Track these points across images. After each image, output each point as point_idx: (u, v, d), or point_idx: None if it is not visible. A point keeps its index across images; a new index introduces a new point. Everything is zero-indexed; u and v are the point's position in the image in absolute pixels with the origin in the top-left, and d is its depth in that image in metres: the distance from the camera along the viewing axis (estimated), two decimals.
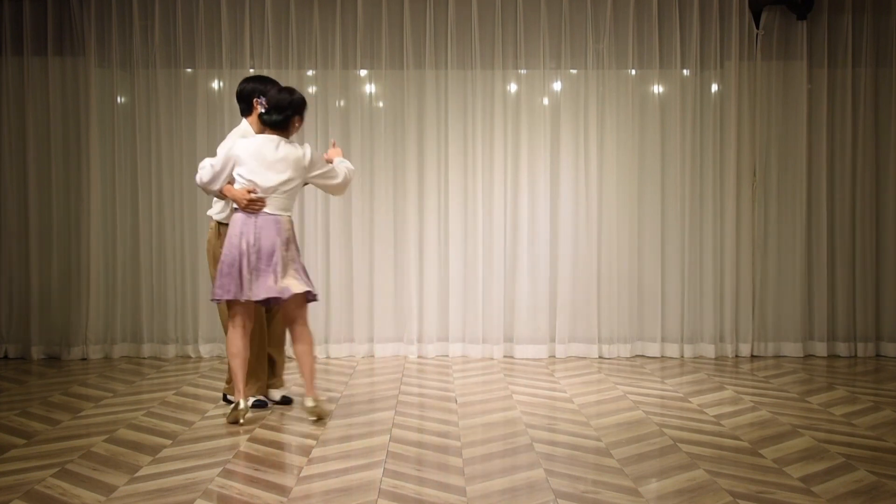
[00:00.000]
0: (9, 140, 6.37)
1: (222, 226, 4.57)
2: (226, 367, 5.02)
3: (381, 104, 6.49)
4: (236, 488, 3.35)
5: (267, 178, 4.28)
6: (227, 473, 3.54)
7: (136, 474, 3.53)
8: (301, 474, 3.53)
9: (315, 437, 4.12)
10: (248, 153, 4.31)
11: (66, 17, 6.35)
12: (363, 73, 6.49)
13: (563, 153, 6.47)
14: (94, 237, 6.28)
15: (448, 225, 6.44)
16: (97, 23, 6.33)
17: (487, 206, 6.45)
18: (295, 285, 4.28)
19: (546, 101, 6.47)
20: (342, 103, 6.45)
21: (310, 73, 6.46)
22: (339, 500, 3.22)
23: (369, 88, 6.51)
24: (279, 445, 4.00)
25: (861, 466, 3.65)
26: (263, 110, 4.40)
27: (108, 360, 6.30)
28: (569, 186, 6.47)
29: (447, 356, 6.41)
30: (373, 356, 6.43)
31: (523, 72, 6.49)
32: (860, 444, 4.03)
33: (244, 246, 4.23)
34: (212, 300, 4.43)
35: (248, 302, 4.30)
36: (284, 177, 4.30)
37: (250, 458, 3.78)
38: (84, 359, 6.29)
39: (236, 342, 4.33)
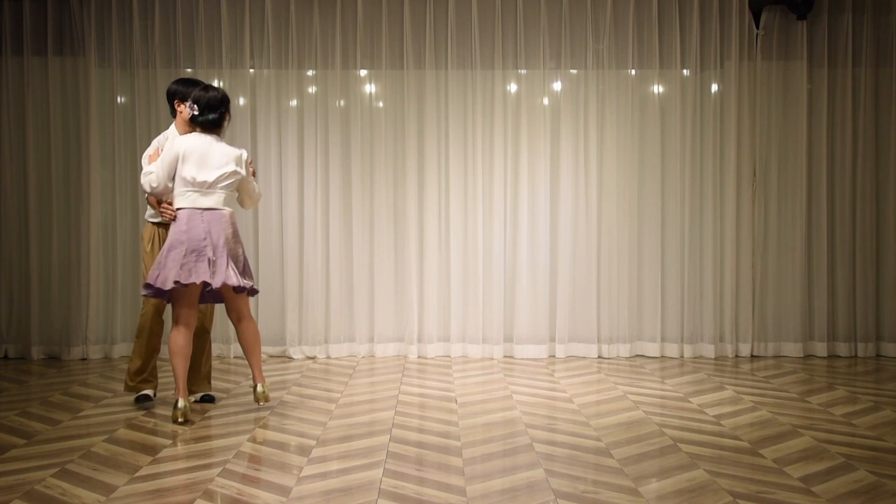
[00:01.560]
0: (9, 140, 6.37)
1: (160, 227, 4.66)
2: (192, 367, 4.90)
3: (381, 104, 6.48)
4: (236, 488, 3.35)
5: (209, 174, 4.36)
6: (227, 473, 3.54)
7: (136, 474, 3.52)
8: (301, 474, 3.53)
9: (315, 437, 4.12)
10: (190, 149, 4.38)
11: (66, 17, 6.35)
12: (363, 73, 6.49)
13: (563, 153, 6.47)
14: (94, 237, 6.28)
15: (448, 225, 6.44)
16: (97, 23, 6.33)
17: (487, 205, 6.45)
18: (235, 278, 4.34)
19: (546, 101, 6.47)
20: (342, 103, 6.45)
21: (310, 73, 6.46)
22: (339, 500, 3.22)
23: (369, 88, 6.51)
24: (279, 445, 4.00)
25: (861, 466, 3.65)
26: (196, 112, 4.43)
27: (108, 360, 6.30)
28: (569, 186, 6.47)
29: (447, 356, 6.41)
30: (373, 356, 6.43)
31: (523, 72, 6.49)
32: (860, 444, 4.03)
33: (200, 236, 4.28)
34: (167, 289, 4.26)
35: (194, 299, 4.37)
36: (227, 170, 4.40)
37: (250, 458, 3.78)
38: (84, 359, 6.29)
39: (180, 341, 4.36)
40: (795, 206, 6.48)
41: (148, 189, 4.50)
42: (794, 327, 6.47)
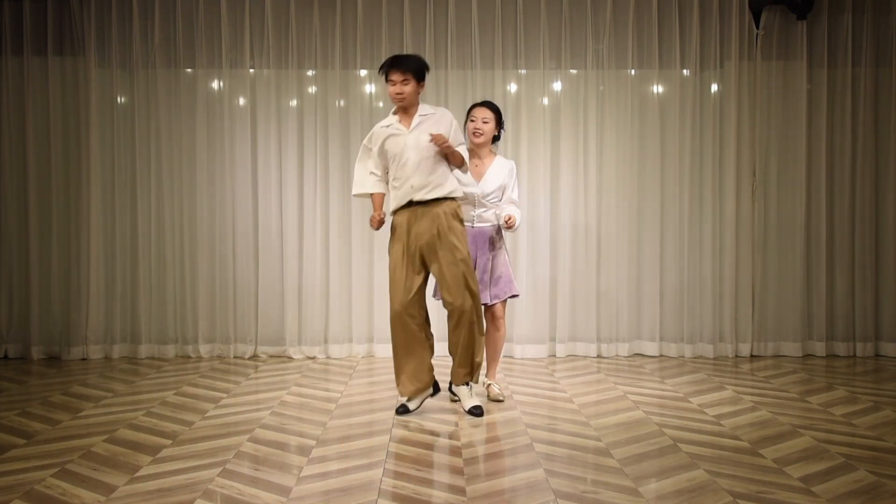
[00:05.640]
0: (9, 140, 6.37)
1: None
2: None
3: (381, 104, 6.48)
4: (236, 488, 3.35)
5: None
6: (227, 473, 3.54)
7: (136, 474, 3.53)
8: (301, 474, 3.53)
9: (315, 437, 4.12)
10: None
11: (66, 17, 6.35)
12: (363, 73, 6.49)
13: (563, 153, 6.47)
14: (94, 237, 6.29)
15: None
16: (97, 23, 6.33)
17: None
18: None
19: (546, 101, 6.47)
20: (342, 103, 6.45)
21: (310, 73, 6.46)
22: (339, 500, 3.22)
23: (369, 88, 6.50)
24: (279, 445, 4.00)
25: (861, 466, 3.65)
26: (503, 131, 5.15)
27: (107, 360, 6.30)
28: (569, 186, 6.47)
29: (447, 356, 6.38)
30: (373, 356, 6.43)
31: (523, 72, 6.49)
32: (860, 444, 4.03)
33: None
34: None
35: None
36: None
37: (250, 458, 3.78)
38: (84, 359, 6.29)
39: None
40: (795, 206, 6.49)
41: None
42: (794, 327, 6.47)
